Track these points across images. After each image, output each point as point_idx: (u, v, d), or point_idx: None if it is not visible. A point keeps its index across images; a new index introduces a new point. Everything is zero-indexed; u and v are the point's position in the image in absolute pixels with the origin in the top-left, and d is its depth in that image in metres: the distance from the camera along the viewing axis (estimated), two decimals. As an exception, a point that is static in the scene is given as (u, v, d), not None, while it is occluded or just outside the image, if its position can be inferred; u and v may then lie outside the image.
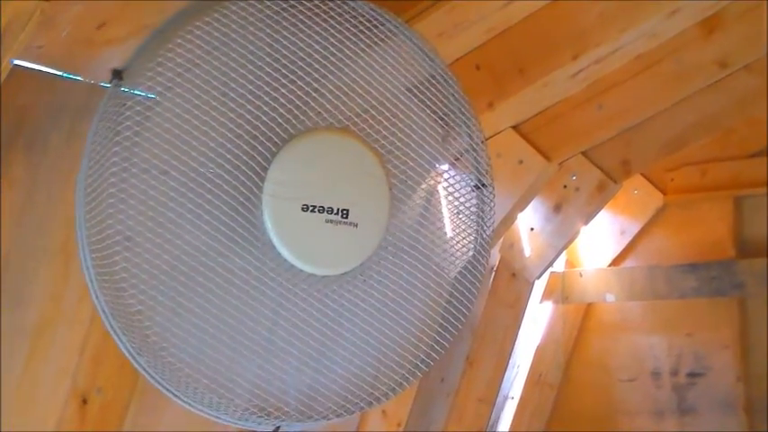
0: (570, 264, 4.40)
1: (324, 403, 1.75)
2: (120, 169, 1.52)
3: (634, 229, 4.36)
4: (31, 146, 1.91)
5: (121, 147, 1.51)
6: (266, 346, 1.66)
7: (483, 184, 1.85)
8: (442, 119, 1.87)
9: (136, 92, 1.57)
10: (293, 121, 1.62)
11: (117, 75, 1.62)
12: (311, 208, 1.60)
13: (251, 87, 1.58)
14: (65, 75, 1.85)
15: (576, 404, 4.49)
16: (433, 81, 1.85)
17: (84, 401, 2.16)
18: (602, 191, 3.78)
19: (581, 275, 4.38)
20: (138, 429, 2.31)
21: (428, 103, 1.81)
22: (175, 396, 1.66)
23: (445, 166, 1.90)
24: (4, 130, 1.84)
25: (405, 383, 1.87)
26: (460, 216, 1.91)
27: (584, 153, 3.55)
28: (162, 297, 1.56)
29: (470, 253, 1.91)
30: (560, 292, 4.37)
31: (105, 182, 1.52)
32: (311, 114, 1.64)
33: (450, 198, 1.89)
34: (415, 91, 1.81)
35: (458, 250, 1.91)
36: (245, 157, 1.57)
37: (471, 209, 1.89)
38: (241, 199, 1.57)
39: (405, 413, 3.38)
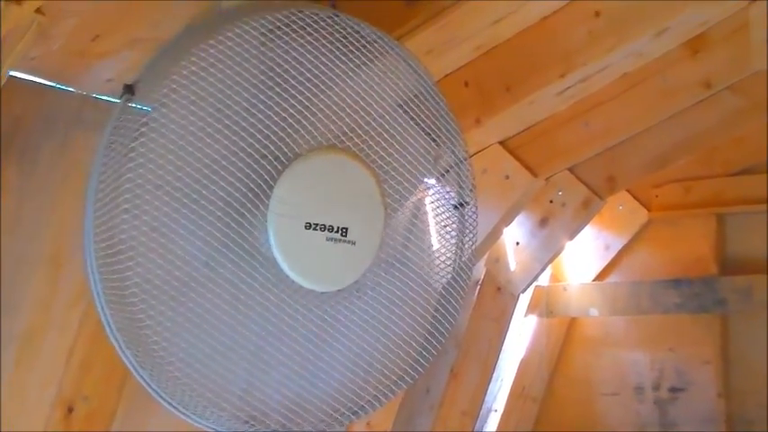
0: (555, 278, 4.43)
1: (314, 413, 1.77)
2: (134, 185, 1.53)
3: (618, 244, 4.39)
4: (23, 154, 1.92)
5: (135, 163, 1.52)
6: (264, 358, 1.68)
7: (464, 203, 1.85)
8: (429, 135, 1.88)
9: (146, 107, 1.59)
10: (299, 140, 1.65)
11: (129, 90, 1.63)
12: (314, 226, 1.64)
13: (262, 107, 1.61)
14: (58, 86, 1.87)
15: (559, 418, 4.52)
16: (421, 98, 1.86)
17: (70, 410, 2.16)
18: (587, 206, 3.80)
19: (565, 290, 4.42)
20: (124, 437, 2.32)
21: (418, 120, 1.83)
22: (173, 407, 1.68)
23: (432, 182, 1.91)
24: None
25: (390, 395, 1.89)
26: (444, 233, 1.93)
27: (570, 169, 3.57)
28: (170, 311, 1.58)
29: (453, 267, 1.93)
30: (545, 306, 4.40)
31: (118, 197, 1.54)
32: (315, 133, 1.68)
33: (435, 214, 1.91)
34: (405, 107, 1.83)
35: (442, 265, 1.92)
36: (253, 175, 1.59)
37: (453, 225, 1.90)
38: (249, 216, 1.60)
39: (389, 424, 3.39)
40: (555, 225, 3.80)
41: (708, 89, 3.17)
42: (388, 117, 1.79)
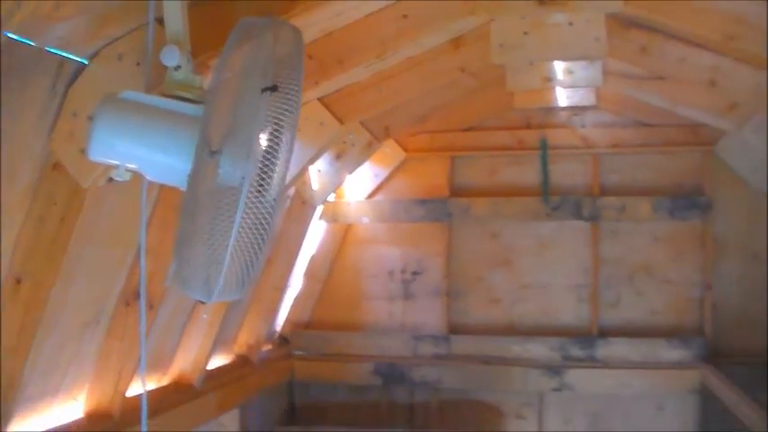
0: (339, 195, 4.48)
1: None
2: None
3: (384, 173, 4.52)
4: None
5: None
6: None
7: (274, 87, 1.47)
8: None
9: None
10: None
11: None
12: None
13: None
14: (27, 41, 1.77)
15: (337, 293, 4.62)
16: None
17: (18, 281, 2.07)
18: (369, 147, 3.95)
19: (346, 204, 4.51)
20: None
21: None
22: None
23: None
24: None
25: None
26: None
27: (361, 121, 3.64)
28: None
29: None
30: (331, 215, 4.46)
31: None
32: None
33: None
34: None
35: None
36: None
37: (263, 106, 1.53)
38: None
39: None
40: (346, 159, 3.91)
41: (462, 73, 3.34)
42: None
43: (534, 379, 4.22)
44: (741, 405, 3.15)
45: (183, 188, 1.60)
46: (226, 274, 1.37)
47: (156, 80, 1.78)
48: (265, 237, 1.41)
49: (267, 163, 1.38)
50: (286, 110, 1.39)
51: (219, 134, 1.50)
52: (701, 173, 4.21)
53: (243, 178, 1.35)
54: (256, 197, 1.41)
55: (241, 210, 1.33)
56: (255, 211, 1.37)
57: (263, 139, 1.37)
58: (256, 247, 1.41)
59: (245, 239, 1.38)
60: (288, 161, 1.46)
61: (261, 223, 1.39)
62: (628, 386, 4.14)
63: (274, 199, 1.43)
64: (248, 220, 1.37)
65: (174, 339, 3.01)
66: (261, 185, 1.38)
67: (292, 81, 1.41)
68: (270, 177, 1.39)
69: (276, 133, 1.38)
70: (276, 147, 1.39)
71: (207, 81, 1.72)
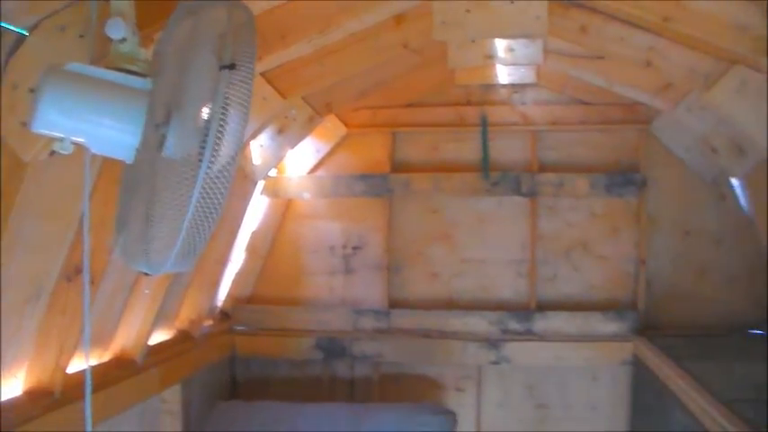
0: (281, 171, 4.47)
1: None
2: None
3: (326, 149, 4.51)
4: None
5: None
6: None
7: (233, 65, 1.45)
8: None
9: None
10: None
11: None
12: None
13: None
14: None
15: (278, 268, 4.62)
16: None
17: None
18: (311, 122, 3.94)
19: (287, 179, 4.50)
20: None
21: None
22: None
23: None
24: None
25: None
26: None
27: (303, 96, 3.63)
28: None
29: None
30: (273, 190, 4.45)
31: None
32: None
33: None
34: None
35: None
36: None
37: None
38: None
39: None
40: (288, 134, 3.89)
41: (404, 49, 3.34)
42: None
43: (473, 352, 4.31)
44: (671, 375, 3.28)
45: (129, 161, 1.60)
46: (175, 245, 1.37)
47: (101, 53, 1.76)
48: (214, 210, 1.43)
49: (218, 137, 1.38)
50: (242, 87, 1.40)
51: (168, 107, 1.50)
52: (637, 151, 4.32)
53: (190, 152, 1.35)
54: (205, 171, 1.42)
55: (199, 184, 1.35)
56: (205, 185, 1.38)
57: (214, 114, 1.37)
58: (204, 220, 1.42)
59: (196, 213, 1.39)
60: (241, 137, 1.47)
61: (210, 197, 1.40)
62: (564, 358, 4.27)
63: (225, 173, 1.43)
64: (196, 194, 1.38)
65: (116, 315, 2.98)
66: (211, 159, 1.38)
67: (247, 58, 1.42)
68: (218, 151, 1.39)
69: (227, 108, 1.39)
70: (225, 121, 1.39)
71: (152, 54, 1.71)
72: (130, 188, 1.68)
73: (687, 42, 2.85)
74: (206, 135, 1.36)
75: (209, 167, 1.38)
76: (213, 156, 1.38)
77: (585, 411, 4.36)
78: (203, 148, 1.34)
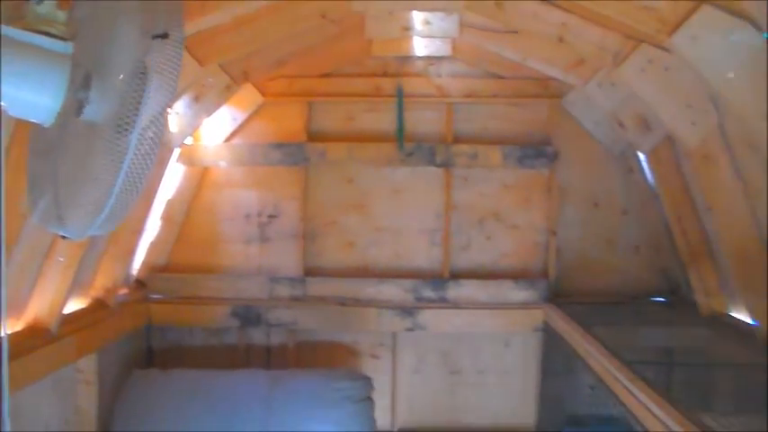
0: (197, 139, 4.43)
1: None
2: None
3: (242, 117, 4.48)
4: None
5: None
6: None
7: (165, 35, 1.48)
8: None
9: None
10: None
11: None
12: None
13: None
14: None
15: (194, 235, 4.59)
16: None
17: None
18: (228, 90, 3.91)
19: (204, 147, 4.46)
20: None
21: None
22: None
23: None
24: None
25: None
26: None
27: (220, 64, 3.59)
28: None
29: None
30: (189, 158, 4.41)
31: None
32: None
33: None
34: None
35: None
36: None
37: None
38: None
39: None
40: (204, 101, 3.86)
41: (322, 19, 3.35)
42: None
43: (388, 320, 4.40)
44: (579, 340, 3.43)
45: (48, 125, 1.59)
46: (104, 209, 1.39)
47: (15, 14, 1.72)
48: (142, 175, 1.44)
49: (149, 104, 1.39)
50: (173, 55, 1.41)
51: (89, 72, 1.50)
52: (549, 124, 4.46)
53: (119, 118, 1.36)
54: (124, 136, 1.43)
55: (131, 150, 1.36)
56: (136, 151, 1.40)
57: (148, 82, 1.38)
58: (132, 185, 1.43)
59: (126, 178, 1.40)
60: (168, 104, 1.48)
61: (140, 162, 1.41)
62: (477, 325, 4.41)
63: (154, 139, 1.45)
64: (128, 159, 1.39)
65: (29, 283, 2.93)
66: (143, 126, 1.39)
67: (176, 27, 1.43)
68: (151, 119, 1.41)
69: (159, 76, 1.40)
70: (156, 89, 1.40)
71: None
72: (46, 152, 1.67)
73: (597, 20, 2.96)
74: (139, 102, 1.37)
75: (140, 134, 1.39)
76: (149, 123, 1.39)
77: (498, 376, 4.52)
78: (136, 115, 1.36)
